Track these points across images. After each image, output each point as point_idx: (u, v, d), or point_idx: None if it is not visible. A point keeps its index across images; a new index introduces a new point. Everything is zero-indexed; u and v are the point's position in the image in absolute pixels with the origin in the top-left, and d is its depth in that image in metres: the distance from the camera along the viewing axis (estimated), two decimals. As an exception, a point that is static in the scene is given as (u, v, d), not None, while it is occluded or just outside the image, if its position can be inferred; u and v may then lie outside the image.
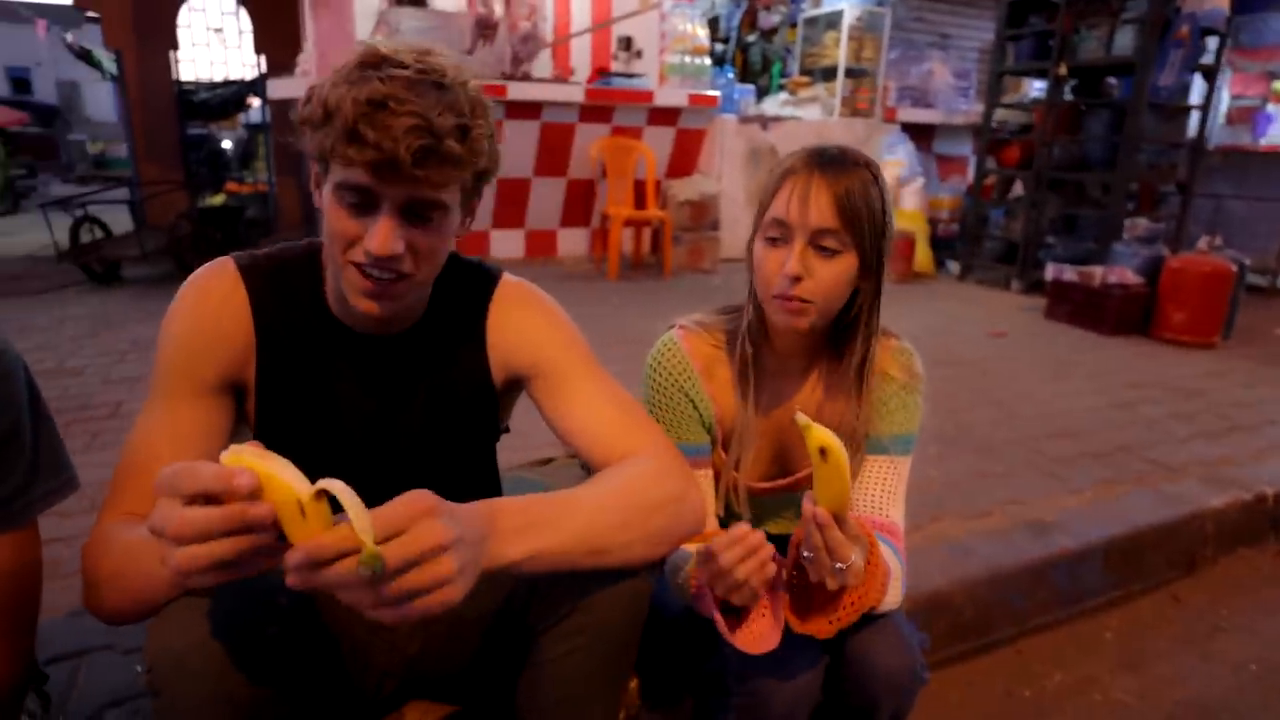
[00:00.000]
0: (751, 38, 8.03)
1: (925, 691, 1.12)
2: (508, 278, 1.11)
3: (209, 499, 0.64)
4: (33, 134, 13.92)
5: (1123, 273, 4.59)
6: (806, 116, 6.81)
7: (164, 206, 6.40)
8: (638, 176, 5.94)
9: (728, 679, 1.04)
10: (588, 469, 1.04)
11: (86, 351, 3.48)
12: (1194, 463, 2.61)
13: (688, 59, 6.22)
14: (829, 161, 1.03)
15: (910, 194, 6.37)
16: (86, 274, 5.07)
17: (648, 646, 1.19)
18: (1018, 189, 6.11)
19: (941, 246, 6.52)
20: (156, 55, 6.97)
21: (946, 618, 1.81)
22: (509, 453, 1.60)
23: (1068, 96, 5.65)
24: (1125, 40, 5.12)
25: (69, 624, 1.48)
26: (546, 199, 5.98)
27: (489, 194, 5.66)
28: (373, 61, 0.83)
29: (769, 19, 7.94)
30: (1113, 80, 5.64)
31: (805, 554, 0.88)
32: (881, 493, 1.13)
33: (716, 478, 1.21)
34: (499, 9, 5.46)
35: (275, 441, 1.01)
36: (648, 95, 5.86)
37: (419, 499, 0.69)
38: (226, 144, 7.30)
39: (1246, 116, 6.95)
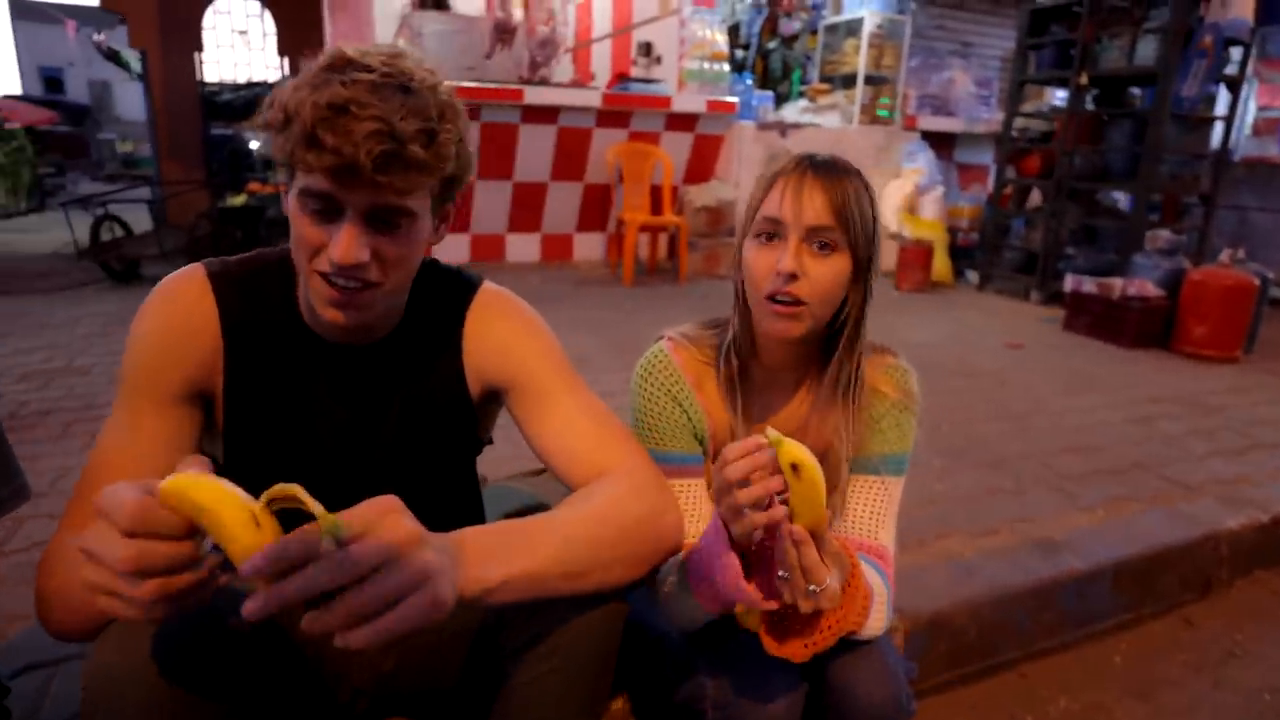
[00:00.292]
0: (772, 44, 8.01)
1: (925, 715, 1.09)
2: (487, 286, 1.09)
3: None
4: (62, 133, 14.18)
5: (1143, 285, 4.51)
6: (825, 124, 6.77)
7: (185, 206, 6.48)
8: (654, 182, 5.94)
9: (704, 704, 1.02)
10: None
11: (96, 350, 3.51)
12: (1211, 481, 2.55)
13: (706, 65, 6.20)
14: (821, 164, 1.01)
15: (929, 203, 6.32)
16: (106, 272, 5.14)
17: (636, 664, 1.17)
18: (1036, 198, 6.04)
19: (960, 256, 6.46)
20: (181, 56, 7.08)
21: (948, 639, 1.76)
22: (502, 462, 1.59)
23: (1089, 106, 5.58)
24: (1147, 50, 5.05)
25: (42, 633, 1.48)
26: (563, 203, 5.98)
27: (505, 198, 5.72)
28: (338, 65, 0.82)
29: (790, 25, 7.91)
30: (1135, 90, 5.56)
31: (780, 574, 0.85)
32: (870, 514, 1.10)
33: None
34: (518, 13, 5.48)
35: (245, 453, 1.01)
36: (666, 101, 5.86)
37: (383, 499, 0.68)
38: (254, 144, 7.38)
39: (1273, 128, 6.82)
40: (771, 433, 0.82)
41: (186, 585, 0.64)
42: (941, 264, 6.15)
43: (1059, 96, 6.56)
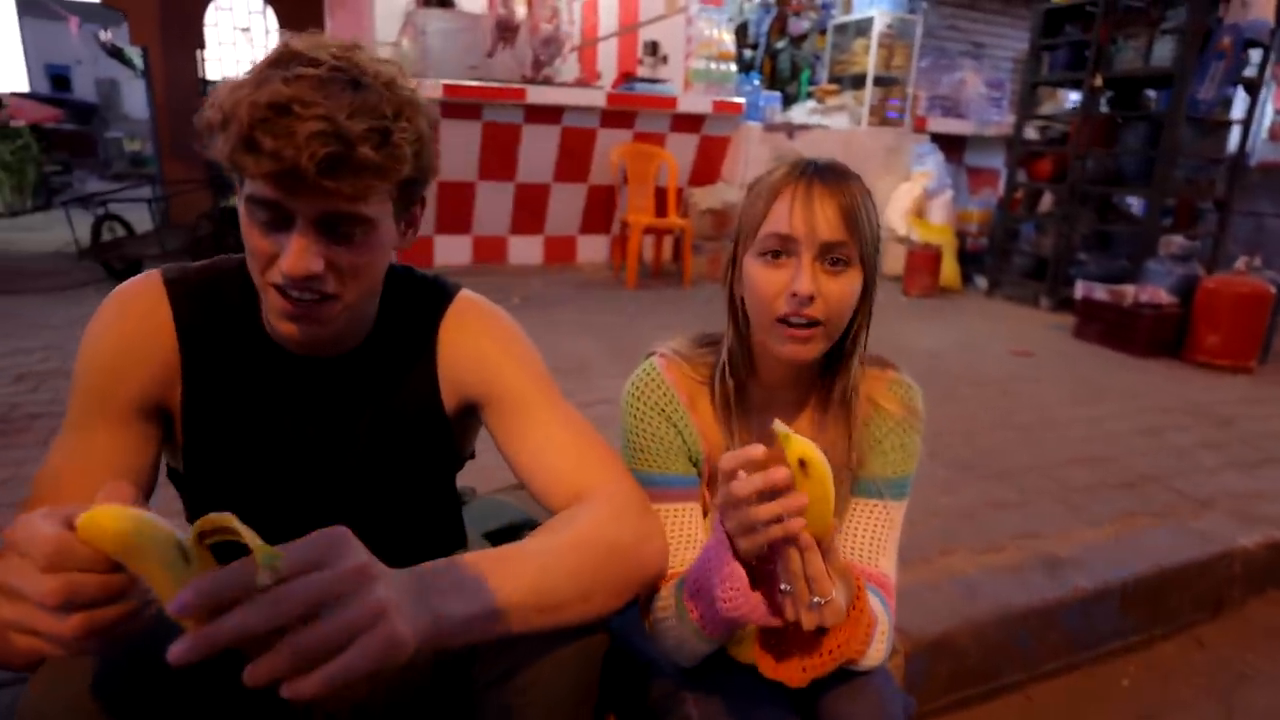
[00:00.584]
0: (781, 44, 7.94)
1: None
2: (464, 295, 1.04)
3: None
4: (69, 131, 14.18)
5: (1155, 292, 4.43)
6: (834, 125, 6.70)
7: (188, 205, 6.46)
8: (659, 183, 5.88)
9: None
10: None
11: (95, 351, 3.45)
12: (1223, 495, 2.48)
13: (713, 65, 6.14)
14: (826, 170, 0.95)
15: (938, 207, 6.24)
16: (107, 272, 5.11)
17: (621, 692, 1.12)
18: (1047, 203, 5.96)
19: (969, 261, 6.37)
20: (183, 53, 7.06)
21: (950, 661, 1.71)
22: (496, 471, 1.54)
23: (1103, 108, 5.50)
24: (1164, 51, 4.97)
25: None
26: (566, 205, 5.94)
27: (507, 199, 5.67)
28: (283, 60, 0.76)
29: (798, 25, 7.84)
30: (1150, 92, 5.48)
31: (782, 587, 0.79)
32: (870, 540, 1.03)
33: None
34: (520, 11, 5.43)
35: (206, 472, 0.95)
36: (671, 101, 5.80)
37: (331, 530, 0.62)
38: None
39: (1291, 132, 6.74)
40: (779, 425, 0.76)
41: (117, 617, 0.59)
42: (950, 269, 6.07)
43: (1072, 99, 6.48)
